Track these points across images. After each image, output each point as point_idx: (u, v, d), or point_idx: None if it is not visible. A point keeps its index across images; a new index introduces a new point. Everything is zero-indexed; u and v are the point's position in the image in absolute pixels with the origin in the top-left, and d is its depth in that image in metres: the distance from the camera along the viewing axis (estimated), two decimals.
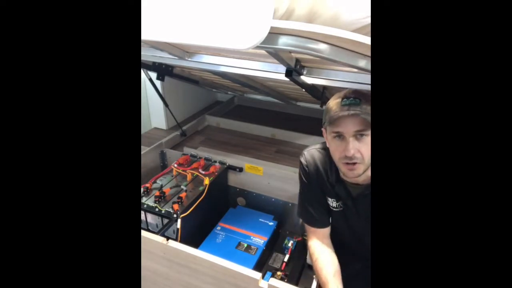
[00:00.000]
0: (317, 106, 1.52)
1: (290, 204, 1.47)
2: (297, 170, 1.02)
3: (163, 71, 1.55)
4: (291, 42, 0.59)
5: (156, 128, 2.19)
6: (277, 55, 0.82)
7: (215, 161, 1.52)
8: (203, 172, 1.42)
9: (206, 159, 1.54)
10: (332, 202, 0.95)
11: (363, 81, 0.92)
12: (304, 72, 1.03)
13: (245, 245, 1.26)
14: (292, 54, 0.91)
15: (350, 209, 0.92)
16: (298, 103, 2.02)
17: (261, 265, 1.22)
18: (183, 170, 1.43)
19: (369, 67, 0.71)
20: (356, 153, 0.77)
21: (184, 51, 1.13)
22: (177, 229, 1.17)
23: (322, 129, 0.88)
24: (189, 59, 1.16)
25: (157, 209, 1.20)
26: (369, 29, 0.58)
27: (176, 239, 1.16)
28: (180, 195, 1.25)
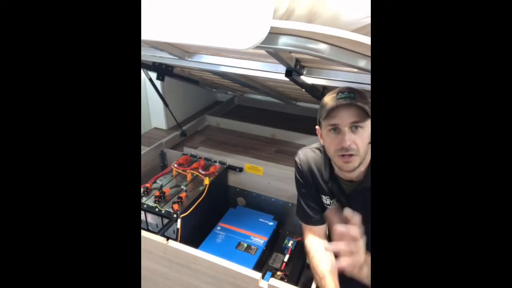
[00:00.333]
0: (317, 106, 1.52)
1: (290, 204, 1.47)
2: None
3: (163, 71, 1.55)
4: (291, 42, 0.59)
5: (156, 128, 2.19)
6: (277, 55, 0.82)
7: (215, 161, 1.52)
8: (203, 172, 1.42)
9: (206, 159, 1.54)
10: (326, 200, 0.96)
11: (363, 81, 0.93)
12: (304, 72, 1.03)
13: (245, 245, 1.26)
14: (292, 54, 0.91)
15: (343, 206, 0.93)
16: (298, 103, 2.02)
17: (261, 265, 1.22)
18: (183, 170, 1.43)
19: (369, 67, 0.71)
20: (352, 145, 0.79)
21: (184, 51, 1.13)
22: (177, 229, 1.17)
23: (316, 127, 0.89)
24: (189, 59, 1.16)
25: (157, 209, 1.20)
26: (369, 29, 0.58)
27: (176, 239, 1.16)
28: (180, 195, 1.25)
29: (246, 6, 0.45)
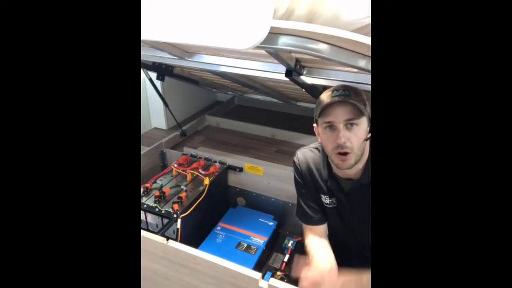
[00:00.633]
0: None
1: (290, 204, 1.47)
2: None
3: (163, 71, 1.55)
4: (291, 42, 0.59)
5: (156, 128, 2.19)
6: (277, 55, 0.82)
7: (215, 161, 1.52)
8: (203, 172, 1.42)
9: (206, 159, 1.54)
10: (325, 199, 0.96)
11: (363, 81, 0.93)
12: (304, 72, 1.03)
13: (245, 245, 1.26)
14: (292, 54, 0.91)
15: (343, 205, 0.93)
16: (298, 103, 2.02)
17: (261, 265, 1.22)
18: (183, 170, 1.43)
19: (369, 67, 0.71)
20: (347, 142, 0.79)
21: (184, 51, 1.13)
22: (177, 229, 1.17)
23: (314, 125, 0.90)
24: (189, 59, 1.16)
25: (157, 209, 1.20)
26: (369, 29, 0.58)
27: (176, 239, 1.16)
28: (180, 195, 1.25)
29: (246, 6, 0.45)
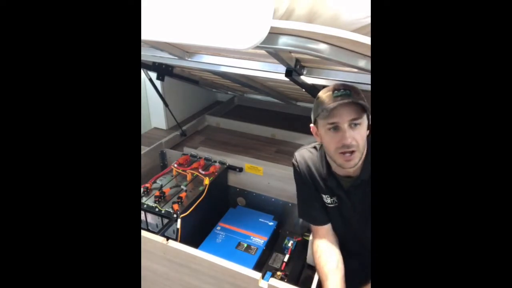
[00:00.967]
0: None
1: (290, 204, 1.47)
2: None
3: (163, 71, 1.55)
4: (291, 42, 0.59)
5: (156, 128, 2.19)
6: (277, 55, 0.82)
7: (215, 161, 1.52)
8: (203, 172, 1.42)
9: (206, 159, 1.54)
10: (326, 199, 0.96)
11: (363, 81, 0.93)
12: (304, 72, 1.03)
13: (245, 245, 1.26)
14: (292, 54, 0.91)
15: (344, 203, 0.93)
16: (298, 103, 2.02)
17: (261, 265, 1.22)
18: (183, 170, 1.43)
19: (369, 67, 0.71)
20: (353, 141, 0.79)
21: (184, 51, 1.13)
22: (177, 229, 1.17)
23: (311, 125, 0.89)
24: (189, 59, 1.16)
25: (157, 209, 1.20)
26: (369, 29, 0.58)
27: (176, 239, 1.16)
28: (180, 195, 1.25)
29: (246, 6, 0.45)
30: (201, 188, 1.32)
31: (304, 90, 1.22)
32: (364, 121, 0.80)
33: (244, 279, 0.84)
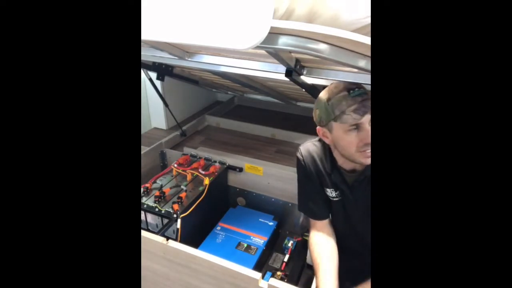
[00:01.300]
0: None
1: (290, 204, 1.47)
2: None
3: (163, 71, 1.55)
4: (291, 42, 0.58)
5: (156, 128, 2.19)
6: (277, 55, 0.82)
7: (215, 161, 1.52)
8: (203, 172, 1.42)
9: (206, 159, 1.54)
10: (331, 192, 0.96)
11: (363, 81, 0.92)
12: (304, 72, 1.03)
13: (245, 245, 1.26)
14: (292, 54, 0.91)
15: (347, 197, 0.93)
16: (298, 103, 2.02)
17: (261, 265, 1.22)
18: (183, 170, 1.43)
19: (369, 67, 0.71)
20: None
21: (184, 51, 1.13)
22: (177, 229, 1.17)
23: (318, 128, 0.87)
24: (189, 59, 1.16)
25: (157, 209, 1.20)
26: (369, 29, 0.58)
27: (176, 239, 1.16)
28: (180, 195, 1.25)
29: (246, 6, 0.45)
30: (201, 188, 1.32)
31: (304, 90, 1.22)
32: None
33: (244, 279, 0.84)
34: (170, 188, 1.32)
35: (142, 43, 1.06)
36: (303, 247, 1.30)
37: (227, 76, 1.39)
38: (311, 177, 0.98)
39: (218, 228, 1.35)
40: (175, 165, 1.46)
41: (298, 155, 0.99)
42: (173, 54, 1.12)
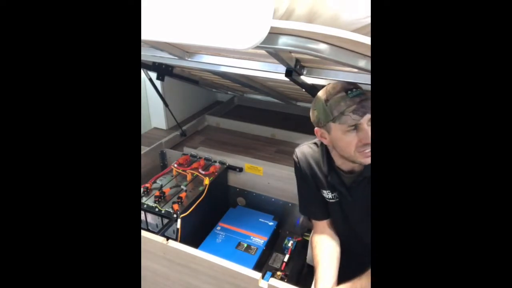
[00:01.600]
0: None
1: (290, 204, 1.47)
2: None
3: (163, 71, 1.55)
4: (291, 42, 0.58)
5: (156, 128, 2.19)
6: (277, 55, 0.82)
7: (215, 161, 1.52)
8: (203, 172, 1.42)
9: (206, 159, 1.54)
10: (327, 194, 0.96)
11: (363, 81, 0.92)
12: (304, 72, 1.03)
13: (245, 245, 1.26)
14: (292, 54, 0.91)
15: (345, 198, 0.93)
16: (298, 103, 2.02)
17: (261, 265, 1.22)
18: (183, 170, 1.43)
19: (369, 67, 0.71)
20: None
21: (184, 51, 1.13)
22: (177, 229, 1.17)
23: (316, 128, 0.87)
24: (189, 59, 1.16)
25: (157, 209, 1.20)
26: (369, 29, 0.58)
27: (176, 239, 1.16)
28: (180, 195, 1.25)
29: (246, 6, 0.45)
30: (201, 188, 1.32)
31: (304, 90, 1.22)
32: None
33: (244, 279, 0.84)
34: (170, 188, 1.32)
35: (142, 43, 1.06)
36: (303, 247, 1.30)
37: (227, 76, 1.39)
38: (307, 180, 0.98)
39: (218, 228, 1.35)
40: (175, 165, 1.46)
41: (294, 157, 1.00)
42: (173, 54, 1.12)
